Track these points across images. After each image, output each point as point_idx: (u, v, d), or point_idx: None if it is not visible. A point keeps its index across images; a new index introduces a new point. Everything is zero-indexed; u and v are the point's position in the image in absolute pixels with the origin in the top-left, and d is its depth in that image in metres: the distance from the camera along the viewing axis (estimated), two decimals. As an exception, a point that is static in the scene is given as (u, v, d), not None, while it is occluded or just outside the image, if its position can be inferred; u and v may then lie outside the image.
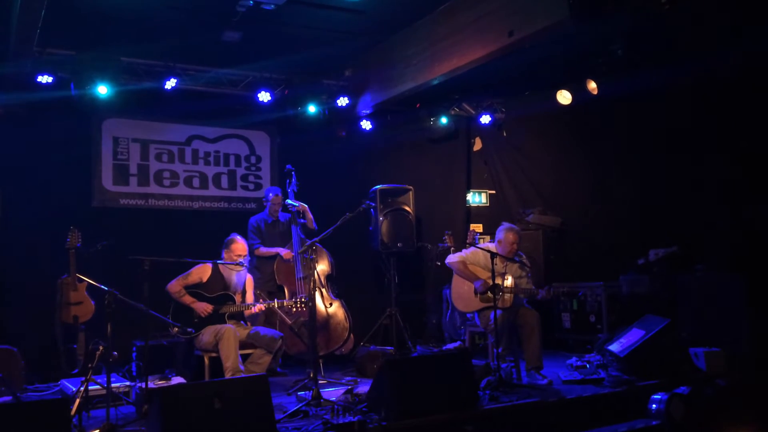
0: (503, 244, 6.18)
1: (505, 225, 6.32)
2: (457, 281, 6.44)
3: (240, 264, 5.95)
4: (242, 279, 6.09)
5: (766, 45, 6.10)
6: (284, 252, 6.86)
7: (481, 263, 6.29)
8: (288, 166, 7.11)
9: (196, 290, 5.89)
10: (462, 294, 6.37)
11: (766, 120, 6.65)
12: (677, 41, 6.54)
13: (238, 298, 5.97)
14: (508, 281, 6.08)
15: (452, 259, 6.43)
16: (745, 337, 6.29)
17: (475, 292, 6.21)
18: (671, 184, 7.46)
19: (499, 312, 5.76)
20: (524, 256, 6.39)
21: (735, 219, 6.90)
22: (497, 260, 5.77)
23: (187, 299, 5.81)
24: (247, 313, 6.02)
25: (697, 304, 6.69)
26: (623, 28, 6.10)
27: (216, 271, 5.99)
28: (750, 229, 6.74)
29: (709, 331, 6.45)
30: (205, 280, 5.94)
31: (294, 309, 5.83)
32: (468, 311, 6.40)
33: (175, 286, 5.83)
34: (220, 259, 5.99)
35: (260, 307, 5.89)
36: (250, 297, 6.13)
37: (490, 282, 6.00)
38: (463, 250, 6.54)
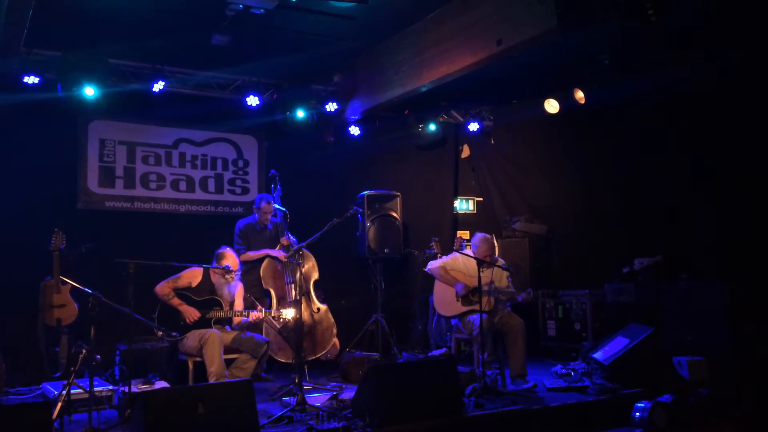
0: (478, 255, 6.20)
1: (479, 235, 6.36)
2: (438, 287, 6.49)
3: (229, 270, 5.89)
4: (234, 290, 6.06)
5: (748, 54, 6.20)
6: (279, 253, 6.78)
7: (461, 269, 6.35)
8: (272, 171, 7.10)
9: (183, 293, 5.86)
10: (444, 299, 6.42)
11: (751, 129, 6.73)
12: (663, 51, 6.61)
13: (226, 306, 5.93)
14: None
15: (433, 265, 6.51)
16: (728, 345, 6.34)
17: (457, 296, 6.25)
18: (657, 193, 7.52)
19: (484, 316, 5.79)
20: (504, 262, 6.44)
21: (719, 228, 6.96)
22: (476, 265, 5.82)
23: (175, 302, 5.78)
24: (236, 320, 5.99)
25: (681, 313, 6.73)
26: (610, 37, 6.15)
27: (207, 278, 5.95)
28: (733, 238, 6.81)
29: (693, 340, 6.50)
30: (194, 285, 5.91)
31: (283, 318, 5.79)
32: (450, 315, 6.43)
33: (164, 288, 5.80)
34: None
35: (258, 315, 5.84)
36: (239, 304, 6.08)
37: (471, 286, 6.06)
38: (443, 257, 6.61)
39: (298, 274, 5.80)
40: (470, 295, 6.23)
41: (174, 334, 5.63)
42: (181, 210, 7.83)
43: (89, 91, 6.64)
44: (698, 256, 7.11)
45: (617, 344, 6.13)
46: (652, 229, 7.48)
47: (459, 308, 6.30)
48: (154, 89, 7.03)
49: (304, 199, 7.58)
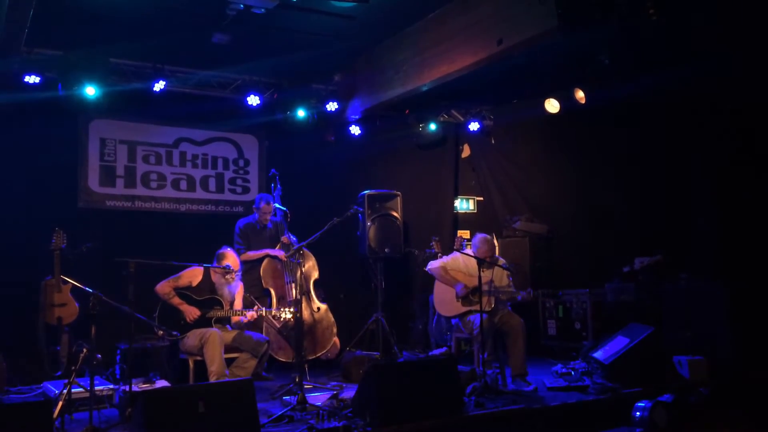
0: (478, 255, 6.19)
1: (479, 235, 6.35)
2: (439, 287, 6.49)
3: (229, 270, 5.89)
4: (234, 290, 6.06)
5: (748, 54, 6.21)
6: (279, 253, 6.79)
7: (462, 268, 6.34)
8: (272, 171, 7.09)
9: (184, 292, 5.86)
10: (444, 299, 6.41)
11: (751, 129, 6.74)
12: (663, 51, 6.62)
13: (226, 306, 5.94)
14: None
15: (433, 265, 6.50)
16: (728, 345, 6.35)
17: (457, 297, 6.25)
18: (657, 193, 7.53)
19: (484, 316, 5.80)
20: (504, 262, 6.43)
21: (720, 227, 6.97)
22: (476, 264, 5.81)
23: (176, 301, 5.79)
24: (234, 320, 5.99)
25: (681, 313, 6.74)
26: (610, 37, 6.16)
27: (207, 278, 5.95)
28: (734, 237, 6.81)
29: (693, 339, 6.50)
30: (195, 284, 5.91)
31: (283, 318, 5.80)
32: (450, 315, 6.44)
33: (164, 287, 5.80)
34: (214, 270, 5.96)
35: (252, 315, 5.85)
36: (238, 304, 6.09)
37: (471, 286, 6.05)
38: (444, 257, 6.60)
39: (298, 274, 5.80)
40: (470, 295, 6.23)
41: (174, 333, 5.64)
42: (181, 209, 7.83)
43: (90, 91, 6.64)
44: (698, 256, 7.12)
45: (617, 344, 6.14)
46: (652, 229, 7.48)
47: (459, 308, 6.30)
48: (154, 88, 7.03)
49: (305, 198, 7.58)
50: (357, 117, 8.24)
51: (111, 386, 5.38)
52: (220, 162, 8.12)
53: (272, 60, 7.18)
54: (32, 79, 6.58)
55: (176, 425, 4.06)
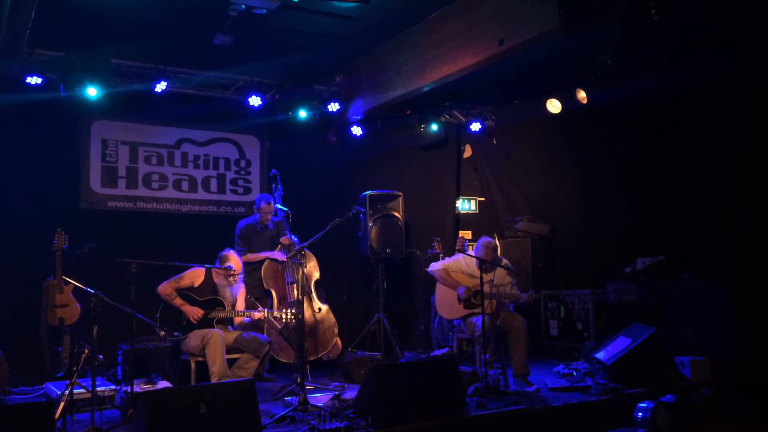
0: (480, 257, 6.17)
1: (482, 240, 6.32)
2: (440, 289, 6.47)
3: (230, 270, 5.89)
4: (237, 291, 6.06)
5: (750, 57, 6.20)
6: (279, 255, 6.79)
7: (464, 270, 6.32)
8: (273, 171, 7.09)
9: (186, 293, 5.86)
10: (446, 301, 6.40)
11: (752, 129, 6.73)
12: (665, 52, 6.61)
13: (228, 307, 5.93)
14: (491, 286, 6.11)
15: (434, 267, 6.48)
16: (730, 345, 6.34)
17: (459, 300, 6.24)
18: (659, 193, 7.52)
19: (486, 318, 5.79)
20: (507, 262, 6.41)
21: (721, 228, 6.96)
22: (478, 266, 5.81)
23: (178, 302, 5.78)
24: (237, 320, 5.99)
25: (683, 313, 6.73)
26: (612, 38, 6.15)
27: (209, 279, 5.95)
28: (735, 238, 6.80)
29: (695, 340, 6.49)
30: (196, 285, 5.91)
31: (285, 318, 5.80)
32: (452, 318, 6.42)
33: (166, 288, 5.80)
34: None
35: (259, 315, 5.84)
36: (241, 305, 6.09)
37: (472, 289, 6.03)
38: (446, 258, 6.59)
39: (300, 274, 5.80)
40: (472, 298, 6.22)
41: (176, 333, 5.64)
42: (183, 210, 7.83)
43: (92, 92, 6.65)
44: (700, 256, 7.11)
45: (619, 344, 6.13)
46: (653, 229, 7.48)
47: (461, 311, 6.28)
48: (156, 89, 7.03)
49: (306, 198, 7.58)
50: (358, 117, 8.24)
51: (113, 387, 5.39)
52: (221, 162, 8.12)
53: (274, 61, 7.19)
54: (34, 80, 6.58)
55: (178, 426, 4.06)
